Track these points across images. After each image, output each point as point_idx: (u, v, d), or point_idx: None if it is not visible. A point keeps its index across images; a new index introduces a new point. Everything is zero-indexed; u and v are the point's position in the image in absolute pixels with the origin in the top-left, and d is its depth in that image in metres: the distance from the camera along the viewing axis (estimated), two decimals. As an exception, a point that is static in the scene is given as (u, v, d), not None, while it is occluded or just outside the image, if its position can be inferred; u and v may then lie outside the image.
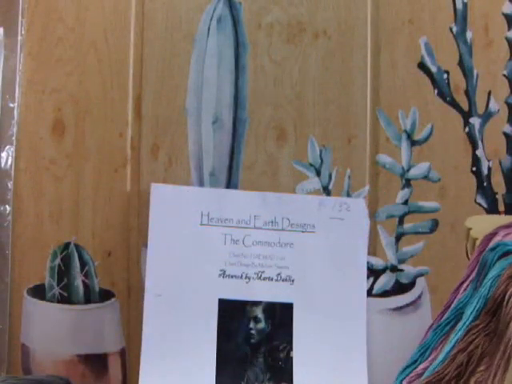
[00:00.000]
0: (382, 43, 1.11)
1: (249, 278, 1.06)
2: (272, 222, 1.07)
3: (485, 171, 1.11)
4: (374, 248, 1.09)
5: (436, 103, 1.11)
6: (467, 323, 0.79)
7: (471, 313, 0.80)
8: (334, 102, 1.10)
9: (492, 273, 0.80)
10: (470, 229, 0.92)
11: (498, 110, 1.11)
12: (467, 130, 1.11)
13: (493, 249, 0.83)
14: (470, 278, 0.85)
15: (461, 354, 0.78)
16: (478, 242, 0.88)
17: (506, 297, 0.77)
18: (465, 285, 0.85)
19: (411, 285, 1.10)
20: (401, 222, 1.10)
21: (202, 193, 1.07)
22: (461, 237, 1.09)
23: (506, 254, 0.82)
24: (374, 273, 1.09)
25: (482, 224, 0.91)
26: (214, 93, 1.09)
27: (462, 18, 1.11)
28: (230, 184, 1.09)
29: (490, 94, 1.11)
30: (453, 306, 0.84)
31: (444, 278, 1.09)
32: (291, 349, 1.05)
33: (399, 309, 1.09)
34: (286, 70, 1.10)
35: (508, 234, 0.86)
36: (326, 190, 1.10)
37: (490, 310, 0.79)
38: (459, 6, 1.11)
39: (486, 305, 0.79)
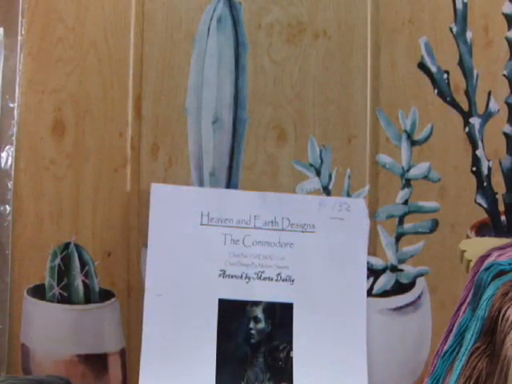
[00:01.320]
0: (382, 43, 1.11)
1: (249, 278, 1.06)
2: (272, 222, 1.07)
3: (485, 171, 1.11)
4: (374, 248, 1.09)
5: (436, 103, 1.11)
6: (468, 348, 0.80)
7: (471, 336, 0.80)
8: (334, 102, 1.10)
9: (487, 293, 0.80)
10: (464, 251, 0.92)
11: (498, 110, 1.11)
12: (467, 129, 1.11)
13: (487, 269, 0.83)
14: (468, 300, 0.85)
15: (468, 382, 0.78)
16: (471, 264, 0.89)
17: (501, 314, 0.77)
18: (463, 307, 0.86)
19: (411, 285, 1.10)
20: (401, 222, 1.10)
21: (202, 193, 1.07)
22: (461, 237, 1.09)
23: (499, 273, 0.82)
24: (374, 273, 1.09)
25: (475, 246, 0.91)
26: (214, 93, 1.09)
27: (462, 18, 1.11)
28: (230, 184, 1.09)
29: (489, 94, 1.11)
30: (454, 330, 0.84)
31: (444, 278, 1.09)
32: (291, 349, 1.05)
33: (399, 309, 1.09)
34: (286, 70, 1.10)
35: (501, 254, 0.86)
36: (326, 190, 1.10)
37: (488, 330, 0.79)
38: (459, 5, 1.11)
39: (484, 326, 0.79)
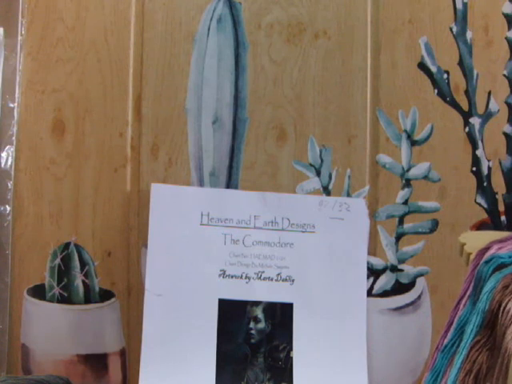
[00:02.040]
0: (382, 43, 1.11)
1: (249, 278, 1.06)
2: (272, 222, 1.07)
3: (485, 171, 1.11)
4: (373, 248, 1.09)
5: (436, 103, 1.11)
6: (469, 341, 0.80)
7: (471, 330, 0.80)
8: (334, 102, 1.10)
9: (487, 286, 0.80)
10: (463, 244, 0.92)
11: (498, 110, 1.11)
12: (467, 129, 1.11)
13: (487, 262, 0.83)
14: (468, 294, 0.85)
15: (468, 376, 0.78)
16: (471, 257, 0.89)
17: (501, 307, 0.77)
18: (463, 301, 0.86)
19: (411, 285, 1.10)
20: (401, 222, 1.10)
21: (202, 193, 1.07)
22: (461, 237, 1.09)
23: (500, 266, 0.82)
24: (374, 273, 1.09)
25: (475, 239, 0.91)
26: (214, 93, 1.09)
27: (462, 18, 1.11)
28: (230, 184, 1.09)
29: (489, 94, 1.11)
30: (454, 324, 0.84)
31: (444, 278, 1.09)
32: (291, 349, 1.05)
33: (399, 309, 1.09)
34: (286, 70, 1.10)
35: (501, 247, 0.86)
36: (326, 190, 1.10)
37: (489, 323, 0.79)
38: (459, 6, 1.11)
39: (485, 319, 0.79)
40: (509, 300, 0.78)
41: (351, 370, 1.05)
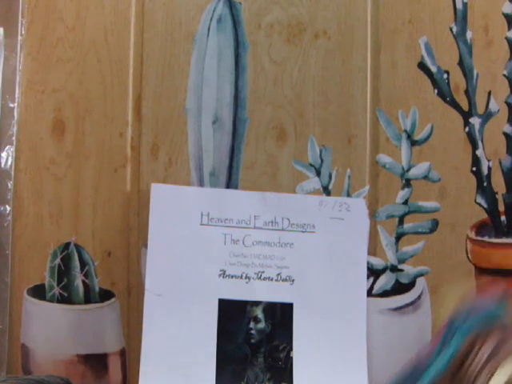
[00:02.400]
0: (382, 43, 1.11)
1: (249, 278, 1.06)
2: (272, 222, 1.07)
3: (485, 171, 1.11)
4: (374, 248, 1.09)
5: (436, 103, 1.11)
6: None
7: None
8: (334, 102, 1.10)
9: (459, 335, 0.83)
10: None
11: (498, 110, 1.11)
12: (467, 129, 1.11)
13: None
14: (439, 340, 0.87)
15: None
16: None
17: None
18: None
19: (411, 285, 1.10)
20: (401, 222, 1.10)
21: (202, 193, 1.07)
22: (461, 237, 1.09)
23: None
24: (374, 273, 1.09)
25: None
26: (214, 93, 1.09)
27: (462, 18, 1.11)
28: (230, 184, 1.09)
29: (489, 94, 1.11)
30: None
31: (444, 278, 1.09)
32: (291, 349, 1.05)
33: (399, 309, 1.09)
34: (286, 70, 1.10)
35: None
36: (326, 190, 1.10)
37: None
38: (459, 6, 1.11)
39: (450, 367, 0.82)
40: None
41: (351, 370, 1.05)
